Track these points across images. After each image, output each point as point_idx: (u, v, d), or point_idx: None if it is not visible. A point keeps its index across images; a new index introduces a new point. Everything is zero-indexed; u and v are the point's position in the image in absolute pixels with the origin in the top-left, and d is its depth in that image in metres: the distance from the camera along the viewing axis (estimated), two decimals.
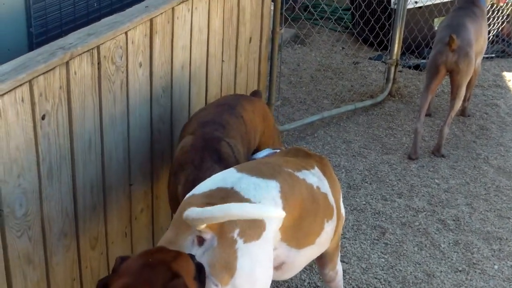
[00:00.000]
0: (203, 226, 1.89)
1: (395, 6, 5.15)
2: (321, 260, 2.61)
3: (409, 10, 5.53)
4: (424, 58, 6.06)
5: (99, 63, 2.37)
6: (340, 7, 6.45)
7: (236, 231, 1.97)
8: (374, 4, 5.57)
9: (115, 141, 2.56)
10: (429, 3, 5.97)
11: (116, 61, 2.46)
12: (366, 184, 4.01)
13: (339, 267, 2.72)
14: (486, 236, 3.59)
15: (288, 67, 5.77)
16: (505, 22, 6.89)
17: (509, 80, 5.90)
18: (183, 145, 2.63)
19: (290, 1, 5.19)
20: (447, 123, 4.42)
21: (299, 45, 6.28)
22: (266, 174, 2.20)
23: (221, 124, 2.70)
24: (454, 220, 3.71)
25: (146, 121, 2.77)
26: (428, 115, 4.92)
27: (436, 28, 6.21)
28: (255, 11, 3.86)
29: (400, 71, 5.70)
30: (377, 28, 5.59)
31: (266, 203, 2.09)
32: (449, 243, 3.50)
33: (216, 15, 3.31)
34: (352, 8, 6.55)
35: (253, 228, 2.01)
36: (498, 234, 3.61)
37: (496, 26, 6.64)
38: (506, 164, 4.40)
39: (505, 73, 6.07)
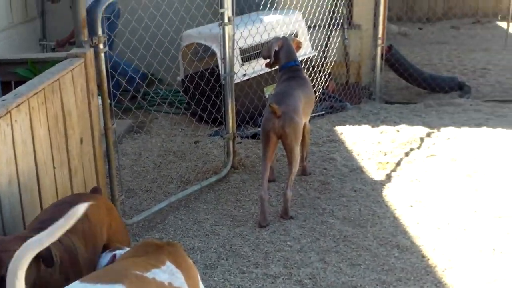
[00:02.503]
0: None
1: (224, 82, 5.37)
2: None
3: (237, 84, 5.78)
4: (259, 126, 6.31)
5: None
6: (170, 91, 6.61)
7: None
8: (202, 84, 5.75)
9: None
10: (255, 74, 6.27)
11: None
12: (223, 261, 4.05)
13: None
14: (342, 287, 3.73)
15: (130, 158, 5.77)
16: (329, 80, 7.40)
17: (341, 133, 6.29)
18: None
19: (118, 95, 5.25)
20: (289, 187, 4.60)
21: (138, 134, 6.32)
22: (111, 279, 2.19)
23: None
24: (310, 279, 3.83)
25: None
26: (272, 180, 5.11)
27: (267, 96, 6.53)
28: (82, 111, 3.87)
29: (240, 143, 5.90)
30: (209, 107, 5.76)
31: None
32: None
33: (40, 124, 3.28)
34: (181, 90, 6.73)
35: None
36: (352, 283, 3.77)
37: (322, 85, 7.10)
38: (350, 213, 4.65)
39: (337, 127, 6.47)
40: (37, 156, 3.23)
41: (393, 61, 7.89)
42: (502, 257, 4.00)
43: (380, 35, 7.61)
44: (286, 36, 5.33)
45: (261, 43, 6.13)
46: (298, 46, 5.30)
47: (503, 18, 11.71)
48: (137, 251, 2.56)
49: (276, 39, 5.17)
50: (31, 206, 3.15)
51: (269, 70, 5.67)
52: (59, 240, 2.60)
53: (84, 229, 2.82)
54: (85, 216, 2.80)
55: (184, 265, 2.54)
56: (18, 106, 3.06)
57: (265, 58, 5.24)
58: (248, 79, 6.31)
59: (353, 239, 4.29)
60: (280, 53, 5.09)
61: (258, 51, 5.72)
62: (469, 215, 4.54)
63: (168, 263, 2.47)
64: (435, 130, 6.28)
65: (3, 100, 3.07)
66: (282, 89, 4.85)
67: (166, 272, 2.43)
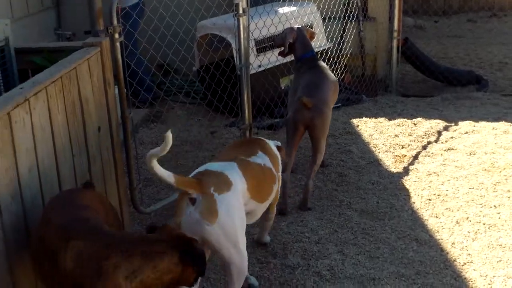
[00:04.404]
0: (191, 191, 2.97)
1: (239, 73, 5.33)
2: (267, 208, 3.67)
3: (252, 74, 5.74)
4: (276, 118, 6.28)
5: None
6: (186, 81, 6.58)
7: (212, 188, 3.03)
8: (218, 74, 5.72)
9: None
10: (270, 66, 6.23)
11: None
12: None
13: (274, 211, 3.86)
14: (360, 280, 3.70)
15: (147, 147, 5.75)
16: (345, 72, 7.35)
17: (358, 126, 6.24)
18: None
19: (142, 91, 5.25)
20: (311, 177, 4.59)
21: (154, 124, 6.30)
22: (227, 159, 3.34)
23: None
24: (328, 270, 3.80)
25: None
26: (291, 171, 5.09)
27: (283, 87, 6.48)
28: (99, 99, 3.85)
29: (256, 133, 5.86)
30: (225, 97, 5.73)
31: (232, 173, 3.18)
32: None
33: (58, 112, 3.26)
34: (197, 80, 6.70)
35: (222, 185, 3.07)
36: (370, 275, 3.74)
37: (338, 77, 7.05)
38: (367, 206, 4.61)
39: (353, 120, 6.42)
40: (56, 144, 3.21)
41: (409, 54, 7.83)
42: None
43: (395, 27, 7.56)
44: (299, 26, 5.28)
45: (276, 35, 6.07)
46: (312, 36, 5.28)
47: None
48: (238, 145, 3.67)
49: (290, 30, 5.14)
50: (51, 195, 3.13)
51: (283, 60, 5.62)
52: None
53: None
54: (87, 206, 2.76)
55: (270, 153, 3.61)
56: (36, 94, 3.04)
57: (278, 47, 5.24)
58: (263, 70, 6.27)
59: (371, 231, 4.25)
60: (295, 45, 5.06)
61: (273, 42, 5.68)
62: (488, 210, 4.49)
63: (260, 152, 3.53)
64: (453, 124, 6.21)
65: (21, 88, 3.05)
66: (310, 80, 4.82)
67: (260, 157, 3.50)
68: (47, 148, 3.12)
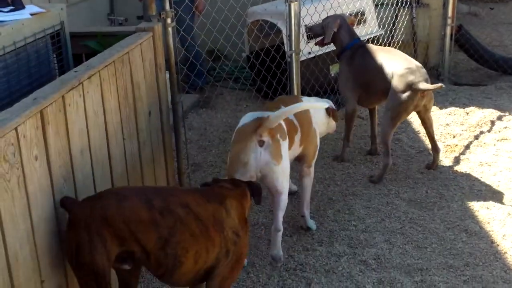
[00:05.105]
0: (265, 133, 3.46)
1: (289, 59, 5.32)
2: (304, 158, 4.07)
3: (302, 61, 5.72)
4: None
5: None
6: (236, 67, 6.60)
7: (278, 135, 3.56)
8: (268, 61, 5.71)
9: (19, 241, 2.47)
10: (320, 52, 6.19)
11: (9, 158, 2.41)
12: (287, 237, 4.03)
13: (313, 169, 4.14)
14: (407, 270, 3.67)
15: (196, 133, 5.81)
16: None
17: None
18: None
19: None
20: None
21: (203, 109, 6.35)
22: (265, 110, 3.81)
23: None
24: (375, 259, 3.78)
25: (50, 214, 2.71)
26: (342, 160, 5.12)
27: (333, 74, 6.44)
28: (150, 84, 3.90)
29: None
30: (274, 83, 5.72)
31: (282, 123, 3.68)
32: (373, 283, 3.55)
33: (110, 96, 3.32)
34: (247, 66, 6.71)
35: (282, 133, 3.61)
36: (418, 265, 3.70)
37: None
38: (416, 195, 4.55)
39: None
40: (108, 127, 3.28)
41: (463, 41, 7.66)
42: None
43: (449, 14, 7.38)
44: (340, 15, 5.22)
45: (312, 25, 6.00)
46: (353, 24, 5.23)
47: None
48: (269, 104, 4.08)
49: (333, 18, 5.07)
50: (102, 178, 3.20)
51: (334, 47, 5.58)
52: None
53: None
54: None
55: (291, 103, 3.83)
56: (89, 77, 3.10)
57: (315, 37, 5.19)
58: (313, 57, 6.23)
59: (420, 221, 4.20)
60: (340, 33, 5.02)
61: (310, 32, 5.63)
62: None
63: (282, 106, 3.78)
64: (507, 114, 6.07)
65: (75, 71, 3.11)
66: (378, 63, 4.82)
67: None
68: (99, 131, 3.19)
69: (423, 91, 4.56)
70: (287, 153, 3.66)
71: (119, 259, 2.73)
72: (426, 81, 4.61)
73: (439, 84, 4.66)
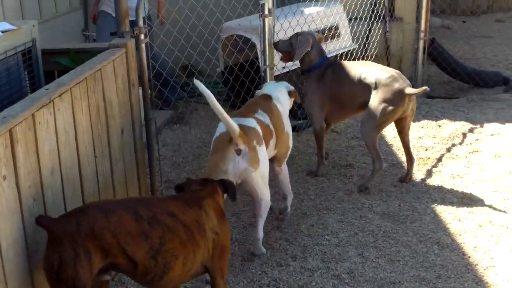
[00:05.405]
0: (241, 142, 3.62)
1: (263, 74, 5.35)
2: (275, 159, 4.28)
3: (276, 76, 5.75)
4: (299, 119, 6.27)
5: None
6: (210, 82, 6.62)
7: (254, 141, 3.73)
8: (242, 76, 5.73)
9: None
10: (294, 67, 6.24)
11: None
12: None
13: (285, 165, 4.39)
14: (380, 283, 3.69)
15: (170, 149, 5.81)
16: None
17: None
18: None
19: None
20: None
21: (177, 125, 6.35)
22: (242, 116, 3.98)
23: None
24: (348, 273, 3.80)
25: (19, 235, 2.68)
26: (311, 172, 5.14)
27: None
28: (123, 101, 3.89)
29: None
30: (249, 99, 5.74)
31: (258, 128, 3.88)
32: None
33: (82, 114, 3.31)
34: (221, 82, 6.73)
35: (258, 139, 3.79)
36: (391, 279, 3.73)
37: None
38: (389, 209, 4.59)
39: None
40: (79, 146, 3.26)
41: (435, 55, 7.76)
42: None
43: (422, 28, 7.49)
44: (310, 32, 5.25)
45: (279, 40, 6.03)
46: (321, 40, 5.29)
47: None
48: (245, 107, 4.26)
49: (305, 37, 5.05)
50: (73, 197, 3.18)
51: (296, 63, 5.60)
52: None
53: None
54: None
55: (271, 111, 4.15)
56: (60, 95, 3.09)
57: (281, 52, 5.21)
58: (288, 72, 6.27)
59: (392, 234, 4.24)
60: (311, 52, 5.04)
61: (275, 47, 5.66)
62: None
63: (260, 111, 4.06)
64: (478, 126, 6.15)
65: (46, 89, 3.10)
66: (357, 75, 4.90)
67: (260, 115, 4.03)
68: (70, 150, 3.17)
69: (411, 95, 4.67)
70: (265, 157, 3.86)
71: (100, 271, 2.73)
72: (410, 86, 4.74)
73: (424, 87, 4.79)
